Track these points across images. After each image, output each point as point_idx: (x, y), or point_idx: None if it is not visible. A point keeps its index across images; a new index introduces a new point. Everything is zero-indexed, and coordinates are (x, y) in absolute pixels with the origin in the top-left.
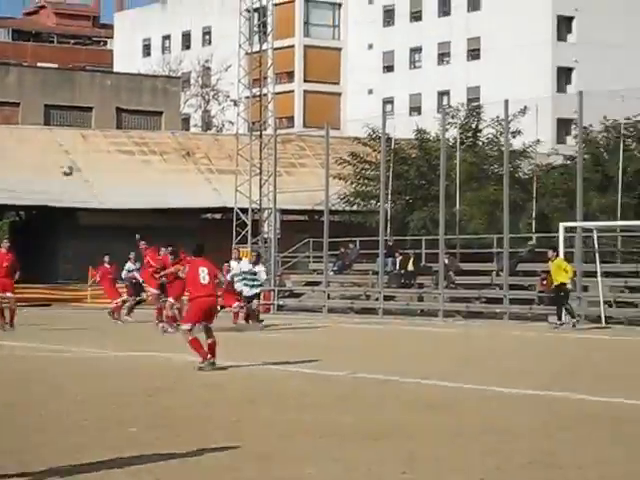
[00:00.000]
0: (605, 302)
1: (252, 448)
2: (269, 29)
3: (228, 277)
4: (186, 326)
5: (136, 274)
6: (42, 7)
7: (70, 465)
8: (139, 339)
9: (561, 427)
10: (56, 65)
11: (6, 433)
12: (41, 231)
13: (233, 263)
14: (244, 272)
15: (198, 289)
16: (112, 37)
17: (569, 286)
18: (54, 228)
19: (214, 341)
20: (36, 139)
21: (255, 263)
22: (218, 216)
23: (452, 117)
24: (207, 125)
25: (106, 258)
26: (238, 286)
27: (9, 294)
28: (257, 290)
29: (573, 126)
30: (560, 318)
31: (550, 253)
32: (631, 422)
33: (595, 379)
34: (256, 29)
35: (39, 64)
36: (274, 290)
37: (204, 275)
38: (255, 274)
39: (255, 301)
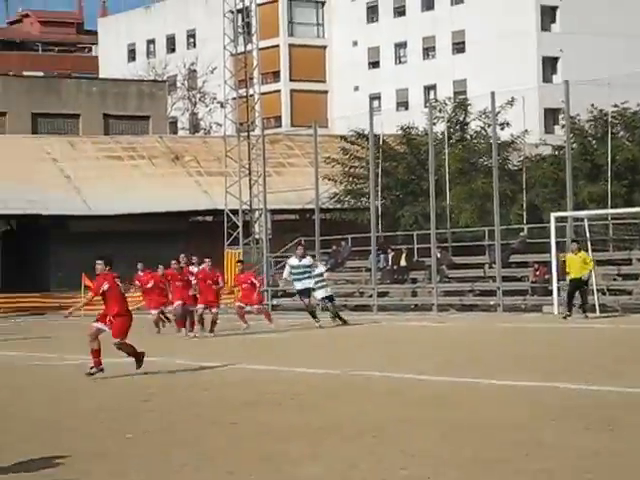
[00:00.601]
0: (598, 290)
1: (252, 450)
2: (253, 29)
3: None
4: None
5: None
6: (26, 15)
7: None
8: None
9: (553, 417)
10: (42, 73)
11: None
12: (32, 240)
13: (292, 259)
14: (292, 267)
15: (124, 304)
16: (97, 43)
17: (585, 277)
18: (45, 236)
19: None
20: (24, 148)
21: (302, 257)
22: (209, 218)
23: (439, 111)
24: (195, 128)
25: (139, 265)
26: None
27: None
28: (311, 284)
29: (560, 116)
30: (570, 310)
31: (574, 246)
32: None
33: (589, 369)
34: (240, 30)
35: (25, 73)
36: (268, 291)
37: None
38: (308, 266)
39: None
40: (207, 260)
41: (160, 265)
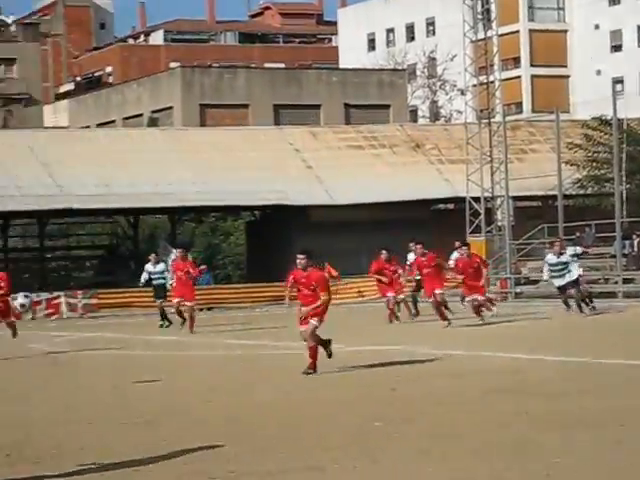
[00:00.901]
0: None
1: (496, 439)
2: (493, 16)
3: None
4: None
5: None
6: (267, 8)
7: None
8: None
9: None
10: (283, 65)
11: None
12: (274, 230)
13: (549, 257)
14: (550, 265)
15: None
16: (336, 34)
17: None
18: (287, 226)
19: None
20: (267, 139)
21: (560, 254)
22: (451, 206)
23: None
24: (435, 116)
25: (383, 252)
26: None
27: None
28: (568, 279)
29: None
30: None
31: None
32: None
33: None
34: (480, 16)
35: (266, 65)
36: (510, 278)
37: None
38: (565, 264)
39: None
40: (464, 247)
41: (384, 250)
